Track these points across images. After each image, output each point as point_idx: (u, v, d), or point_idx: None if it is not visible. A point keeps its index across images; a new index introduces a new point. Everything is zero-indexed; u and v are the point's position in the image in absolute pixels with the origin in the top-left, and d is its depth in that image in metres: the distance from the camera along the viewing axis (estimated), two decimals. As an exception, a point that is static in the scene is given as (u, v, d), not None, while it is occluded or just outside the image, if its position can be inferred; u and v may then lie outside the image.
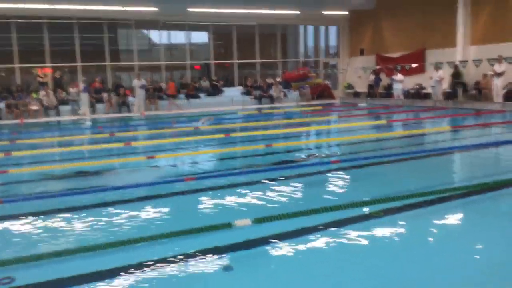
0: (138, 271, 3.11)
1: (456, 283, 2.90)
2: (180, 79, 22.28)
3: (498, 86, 15.11)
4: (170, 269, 3.14)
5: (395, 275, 3.04)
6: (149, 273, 3.08)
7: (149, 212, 4.58)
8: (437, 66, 17.11)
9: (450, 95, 17.06)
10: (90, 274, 3.06)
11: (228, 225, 3.85)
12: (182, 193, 5.22)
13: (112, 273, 3.07)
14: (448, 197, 4.68)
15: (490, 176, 5.57)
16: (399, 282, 2.94)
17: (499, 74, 14.91)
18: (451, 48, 17.44)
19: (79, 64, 20.42)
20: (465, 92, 17.10)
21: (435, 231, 3.91)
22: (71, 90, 18.15)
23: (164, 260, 3.25)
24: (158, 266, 3.17)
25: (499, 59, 14.81)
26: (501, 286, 2.73)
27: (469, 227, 4.08)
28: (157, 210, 4.63)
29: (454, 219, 4.24)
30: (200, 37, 24.77)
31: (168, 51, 24.04)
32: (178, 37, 23.98)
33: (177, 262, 3.23)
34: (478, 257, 3.36)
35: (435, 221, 4.10)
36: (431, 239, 3.74)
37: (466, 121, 12.54)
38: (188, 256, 3.32)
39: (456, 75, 17.31)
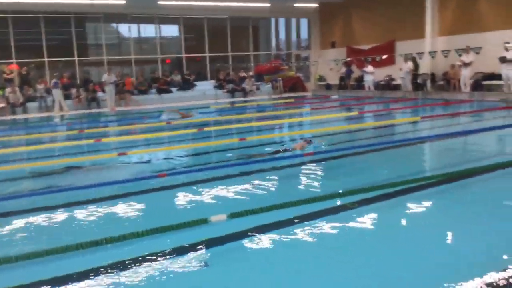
0: (113, 271, 3.04)
1: (429, 271, 2.94)
2: (151, 73, 21.99)
3: (466, 76, 15.46)
4: (146, 268, 3.08)
5: (370, 265, 3.07)
6: (124, 273, 3.02)
7: (122, 210, 4.49)
8: (406, 58, 17.37)
9: (419, 86, 17.36)
10: (63, 276, 2.97)
11: (204, 221, 3.81)
12: (156, 189, 5.14)
13: (85, 275, 2.99)
14: (419, 186, 4.75)
15: (459, 164, 5.69)
16: (375, 271, 2.97)
17: (466, 64, 15.26)
18: (420, 40, 17.72)
19: (46, 59, 19.88)
20: (433, 83, 17.43)
21: (407, 220, 3.98)
22: (38, 86, 17.66)
23: (140, 259, 3.19)
24: (134, 266, 3.12)
25: (467, 50, 15.15)
26: (472, 272, 2.78)
27: (440, 216, 4.15)
28: (131, 208, 4.55)
29: (426, 208, 4.30)
30: (171, 30, 24.49)
31: (138, 45, 23.67)
32: (148, 30, 23.63)
33: (153, 260, 3.18)
34: (450, 244, 3.42)
35: (408, 211, 4.17)
36: (403, 228, 3.80)
37: (435, 111, 12.78)
38: (164, 253, 3.27)
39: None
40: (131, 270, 3.06)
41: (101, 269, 3.06)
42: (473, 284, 2.65)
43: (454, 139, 7.79)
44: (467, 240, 3.46)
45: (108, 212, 4.44)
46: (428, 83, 17.41)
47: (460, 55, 15.32)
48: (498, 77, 14.72)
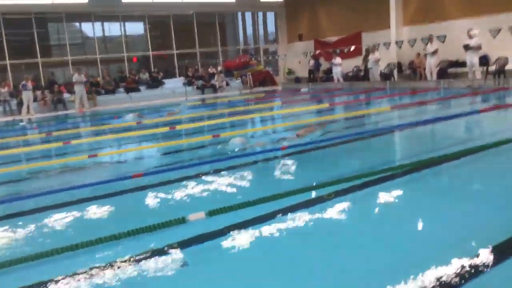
0: (90, 275, 2.95)
1: (404, 258, 2.97)
2: (118, 72, 21.61)
3: (431, 64, 15.79)
4: (124, 271, 3.00)
5: (350, 255, 3.07)
6: (101, 277, 2.93)
7: (98, 213, 4.37)
8: (373, 48, 17.60)
9: (386, 76, 17.64)
10: (37, 284, 2.87)
11: (182, 220, 3.74)
12: (131, 190, 5.04)
13: (60, 282, 2.89)
14: (392, 175, 4.81)
15: (429, 152, 5.78)
16: (355, 262, 2.97)
17: (432, 53, 15.59)
18: (385, 30, 17.99)
19: (8, 61, 19.25)
20: (400, 72, 17.75)
21: (382, 209, 4.00)
22: (2, 90, 17.08)
23: (117, 262, 3.11)
24: (111, 269, 3.03)
25: (431, 39, 15.46)
26: (444, 258, 2.82)
27: (413, 203, 4.20)
28: (106, 210, 4.43)
29: (399, 196, 4.34)
30: (136, 28, 24.10)
31: (103, 44, 23.21)
32: (113, 29, 23.21)
33: (131, 262, 3.10)
34: (423, 230, 3.46)
35: (382, 199, 4.19)
36: (378, 217, 3.82)
37: (403, 100, 13.01)
38: (142, 255, 3.19)
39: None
40: (108, 273, 2.97)
41: (77, 275, 2.96)
42: (445, 270, 2.69)
43: (423, 127, 7.93)
44: (439, 226, 3.50)
45: (83, 215, 4.31)
46: (395, 72, 17.71)
47: (426, 44, 15.62)
48: (463, 64, 15.09)
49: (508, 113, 9.29)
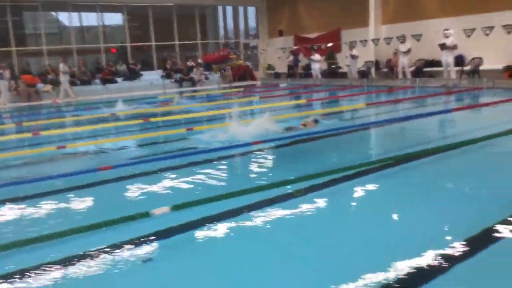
0: (51, 269, 2.87)
1: (374, 253, 2.97)
2: (95, 63, 21.25)
3: (404, 63, 16.01)
4: (86, 265, 2.92)
5: (318, 252, 3.06)
6: (63, 271, 2.85)
7: (61, 206, 4.26)
8: (351, 46, 17.68)
9: (364, 74, 17.76)
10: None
11: (146, 214, 3.67)
12: (97, 183, 4.93)
13: (21, 274, 2.81)
14: (365, 171, 4.82)
15: (403, 149, 5.82)
16: (323, 258, 2.96)
17: (405, 52, 15.81)
18: (364, 28, 18.09)
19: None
20: (377, 70, 17.89)
21: (353, 205, 4.02)
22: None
23: (78, 257, 3.03)
24: (72, 264, 2.95)
25: (404, 38, 15.66)
26: (414, 252, 2.84)
27: (385, 199, 4.23)
28: (70, 203, 4.32)
29: (371, 192, 4.36)
30: (114, 18, 23.73)
31: (80, 34, 22.79)
32: (90, 19, 22.81)
33: (93, 257, 3.02)
34: (394, 225, 3.48)
35: (354, 196, 4.21)
36: (349, 213, 3.83)
37: (379, 97, 13.10)
38: (104, 250, 3.12)
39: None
40: (70, 268, 2.90)
41: (37, 269, 2.88)
42: (415, 262, 2.70)
43: (397, 125, 8.00)
44: (411, 221, 3.53)
45: (45, 208, 4.20)
46: (373, 70, 17.84)
47: (402, 42, 15.78)
48: (439, 63, 15.28)
49: (479, 113, 9.43)
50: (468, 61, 14.96)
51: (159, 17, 22.93)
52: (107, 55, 22.13)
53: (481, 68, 14.46)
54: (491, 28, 13.26)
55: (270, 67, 24.28)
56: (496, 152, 5.73)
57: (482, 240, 3.00)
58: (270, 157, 6.07)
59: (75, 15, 22.13)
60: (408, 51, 15.78)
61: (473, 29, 13.68)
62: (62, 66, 17.40)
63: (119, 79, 20.07)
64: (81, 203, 4.35)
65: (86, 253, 3.08)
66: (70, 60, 21.16)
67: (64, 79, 17.37)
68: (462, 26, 14.20)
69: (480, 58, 14.54)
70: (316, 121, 7.89)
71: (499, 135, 6.19)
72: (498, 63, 14.08)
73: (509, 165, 5.12)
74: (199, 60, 22.72)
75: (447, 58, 14.39)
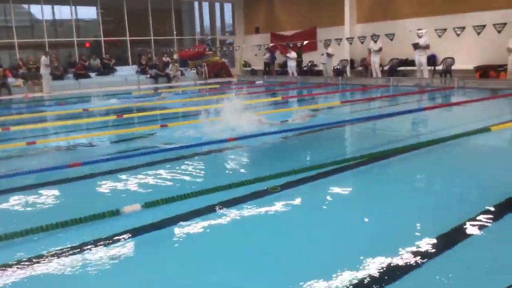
0: (16, 269, 2.78)
1: (351, 250, 2.99)
2: (68, 57, 20.82)
3: (375, 62, 16.25)
4: (54, 265, 2.85)
5: (293, 248, 3.06)
6: (30, 271, 2.77)
7: (28, 203, 4.15)
8: (326, 44, 17.79)
9: (339, 72, 17.90)
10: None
11: (116, 212, 3.61)
12: (66, 180, 4.83)
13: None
14: (340, 168, 4.86)
15: (376, 146, 5.88)
16: (298, 255, 2.96)
17: (376, 51, 16.04)
18: (340, 26, 18.22)
19: None
20: (352, 68, 18.06)
21: (329, 201, 4.03)
22: None
23: (45, 256, 2.95)
24: (42, 262, 2.87)
25: (375, 38, 15.90)
26: (390, 247, 2.87)
27: (360, 195, 4.28)
28: (37, 200, 4.22)
29: (346, 189, 4.40)
30: (88, 12, 23.25)
31: (53, 28, 22.27)
32: (63, 12, 22.29)
33: (62, 256, 2.95)
34: (370, 221, 3.50)
35: (329, 192, 4.23)
36: (325, 209, 3.84)
37: (354, 96, 13.24)
38: (73, 248, 3.05)
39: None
40: (37, 267, 2.82)
41: (1, 269, 2.79)
42: (387, 259, 2.73)
43: (372, 123, 8.08)
44: (383, 218, 3.57)
45: (11, 206, 4.09)
46: (348, 69, 18.01)
47: (375, 42, 16.00)
48: (412, 63, 15.52)
49: (450, 112, 9.62)
50: (440, 61, 15.25)
51: (134, 12, 22.61)
52: (81, 49, 21.71)
53: (453, 68, 14.76)
54: (462, 28, 13.53)
55: (246, 64, 24.24)
56: (465, 150, 5.86)
57: (452, 237, 3.06)
58: (245, 154, 6.06)
59: (47, 8, 21.62)
60: (379, 50, 16.03)
61: (445, 29, 13.93)
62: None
63: (92, 74, 19.72)
64: (49, 200, 4.25)
65: (54, 252, 3.01)
66: (42, 54, 20.66)
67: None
68: (434, 26, 14.45)
69: (452, 58, 14.83)
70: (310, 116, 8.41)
71: (469, 134, 6.32)
72: (470, 63, 14.40)
73: (477, 163, 5.24)
74: (175, 56, 22.50)
75: (420, 57, 14.63)
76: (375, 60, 16.23)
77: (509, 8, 13.44)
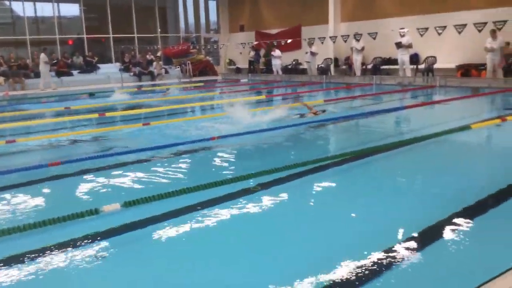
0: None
1: (332, 246, 3.01)
2: (50, 55, 20.53)
3: (357, 61, 16.37)
4: (35, 264, 2.81)
5: (275, 248, 3.06)
6: (7, 272, 2.73)
7: (6, 203, 4.09)
8: (310, 42, 17.83)
9: (323, 70, 17.98)
10: None
11: (95, 212, 3.57)
12: (46, 179, 4.77)
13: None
14: (324, 166, 4.89)
15: (358, 145, 5.92)
16: (280, 254, 2.96)
17: (359, 50, 16.15)
18: (324, 25, 18.29)
19: None
20: (336, 67, 18.16)
21: (310, 199, 4.05)
22: None
23: (25, 255, 2.91)
24: (19, 263, 2.83)
25: (358, 37, 16.03)
26: (374, 244, 2.90)
27: (343, 192, 4.31)
28: (16, 200, 4.15)
29: (329, 186, 4.43)
30: (70, 9, 22.94)
31: (35, 25, 21.95)
32: (45, 9, 21.97)
33: (42, 256, 2.92)
34: (354, 218, 3.53)
35: (312, 190, 4.25)
36: (308, 208, 3.86)
37: (337, 94, 13.31)
38: (53, 248, 3.02)
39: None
40: (16, 268, 2.78)
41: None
42: (375, 256, 2.76)
43: (354, 121, 8.13)
44: (369, 214, 3.62)
45: (-12, 206, 4.02)
46: (332, 67, 18.10)
47: (358, 40, 16.12)
48: (395, 62, 15.67)
49: (432, 110, 9.73)
50: (423, 60, 15.42)
51: (118, 9, 22.39)
52: (63, 46, 21.43)
53: (435, 66, 14.93)
54: (444, 28, 13.68)
55: (231, 62, 24.19)
56: (446, 148, 5.93)
57: (431, 235, 3.10)
58: (228, 153, 6.05)
59: (29, 5, 21.29)
60: (362, 49, 16.18)
61: (427, 29, 14.07)
62: (43, 56, 17.30)
63: (75, 72, 19.49)
64: (27, 200, 4.19)
65: (32, 252, 2.97)
66: (24, 51, 20.37)
67: (44, 69, 17.35)
68: (416, 25, 14.60)
69: (434, 57, 15.00)
70: (323, 111, 8.82)
71: (450, 132, 6.40)
72: (451, 62, 14.59)
73: (458, 161, 5.30)
74: (159, 54, 22.34)
75: (403, 56, 14.76)
76: (357, 59, 16.38)
77: (489, 7, 13.64)
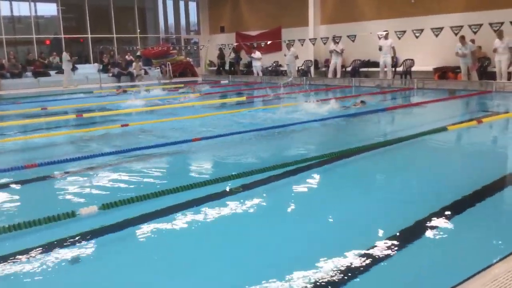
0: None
1: (310, 247, 3.02)
2: (27, 55, 20.16)
3: (337, 63, 16.53)
4: (9, 269, 2.75)
5: (256, 249, 3.06)
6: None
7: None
8: (289, 44, 17.89)
9: (304, 72, 18.07)
10: None
11: (72, 214, 3.51)
12: (20, 182, 4.67)
13: None
14: (305, 166, 4.91)
15: (337, 146, 5.95)
16: (261, 254, 2.96)
17: (337, 53, 16.32)
18: (304, 27, 18.39)
19: None
20: (316, 69, 18.28)
21: (289, 201, 4.06)
22: None
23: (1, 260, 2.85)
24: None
25: (337, 39, 16.18)
26: (352, 243, 2.92)
27: (322, 193, 4.34)
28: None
29: (307, 187, 4.43)
30: (47, 9, 22.54)
31: (11, 24, 21.50)
32: (22, 8, 21.54)
33: (14, 260, 2.85)
34: (333, 217, 3.55)
35: (291, 191, 4.26)
36: (287, 208, 3.88)
37: (318, 96, 13.37)
38: (28, 252, 2.95)
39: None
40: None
41: None
42: (349, 255, 2.78)
43: (334, 123, 8.18)
44: (347, 213, 3.66)
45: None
46: (312, 69, 18.21)
47: (337, 43, 16.27)
48: (373, 64, 15.85)
49: (410, 112, 9.86)
50: (401, 62, 15.63)
51: (96, 9, 22.11)
52: (40, 46, 21.06)
53: (412, 69, 15.16)
54: (421, 31, 13.89)
55: (211, 63, 24.13)
56: (423, 149, 6.01)
57: (413, 233, 3.14)
58: (208, 153, 6.02)
59: (5, 4, 20.86)
60: (341, 52, 16.34)
61: (404, 31, 14.26)
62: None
63: (52, 72, 19.16)
64: (2, 203, 4.10)
65: (6, 256, 2.90)
66: (0, 51, 19.94)
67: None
68: (394, 28, 14.79)
69: (412, 60, 15.23)
70: (363, 102, 9.48)
71: (426, 134, 6.50)
72: (429, 65, 14.83)
73: (435, 162, 5.39)
74: (138, 54, 22.12)
75: (386, 59, 14.91)
76: (337, 61, 16.51)
77: (466, 11, 13.91)
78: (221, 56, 21.77)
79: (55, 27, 21.91)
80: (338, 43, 16.27)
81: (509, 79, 12.58)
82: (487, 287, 2.23)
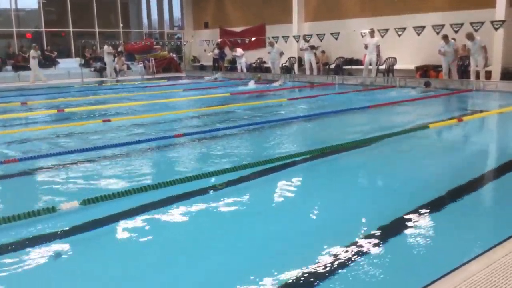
0: None
1: (297, 242, 3.05)
2: (8, 48, 19.80)
3: (311, 60, 16.63)
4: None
5: (240, 244, 3.07)
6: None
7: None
8: (271, 42, 17.87)
9: (287, 69, 18.10)
10: None
11: (52, 210, 3.47)
12: (1, 177, 4.60)
13: None
14: (290, 163, 4.94)
15: (320, 143, 5.99)
16: (246, 250, 2.97)
17: (309, 50, 16.48)
18: (289, 24, 18.40)
19: None
20: (300, 66, 18.31)
21: (275, 196, 4.08)
22: None
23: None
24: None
25: (306, 38, 16.30)
26: (337, 238, 2.95)
27: (307, 189, 4.38)
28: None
29: (293, 183, 4.46)
30: (28, 1, 22.13)
31: (-10, 17, 21.10)
32: (2, 1, 21.10)
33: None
34: (318, 213, 3.57)
35: (273, 188, 4.28)
36: (272, 204, 3.90)
37: (302, 93, 13.43)
38: (8, 247, 2.92)
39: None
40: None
41: None
42: (338, 250, 2.81)
43: (318, 119, 8.23)
44: (333, 208, 3.72)
45: None
46: (296, 66, 18.25)
47: (307, 41, 16.38)
48: (357, 62, 15.94)
49: (392, 110, 9.95)
50: (383, 60, 15.76)
51: (78, 2, 21.79)
52: (20, 40, 20.67)
53: (395, 67, 15.30)
54: (403, 29, 14.00)
55: (195, 59, 24.00)
56: (405, 146, 6.09)
57: (393, 229, 3.18)
58: (191, 150, 6.01)
59: (-16, -4, 20.44)
60: (312, 48, 16.49)
61: (387, 30, 14.35)
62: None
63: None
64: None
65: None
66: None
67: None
68: (377, 26, 14.88)
69: (394, 58, 15.37)
70: (428, 84, 10.11)
71: (408, 131, 6.58)
72: (411, 63, 14.98)
73: (416, 159, 5.46)
74: (120, 49, 21.87)
75: (372, 57, 14.97)
76: (310, 58, 16.63)
77: (447, 10, 14.09)
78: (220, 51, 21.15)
79: (36, 20, 21.54)
80: (308, 41, 16.35)
81: (487, 78, 12.80)
82: (464, 283, 2.27)
